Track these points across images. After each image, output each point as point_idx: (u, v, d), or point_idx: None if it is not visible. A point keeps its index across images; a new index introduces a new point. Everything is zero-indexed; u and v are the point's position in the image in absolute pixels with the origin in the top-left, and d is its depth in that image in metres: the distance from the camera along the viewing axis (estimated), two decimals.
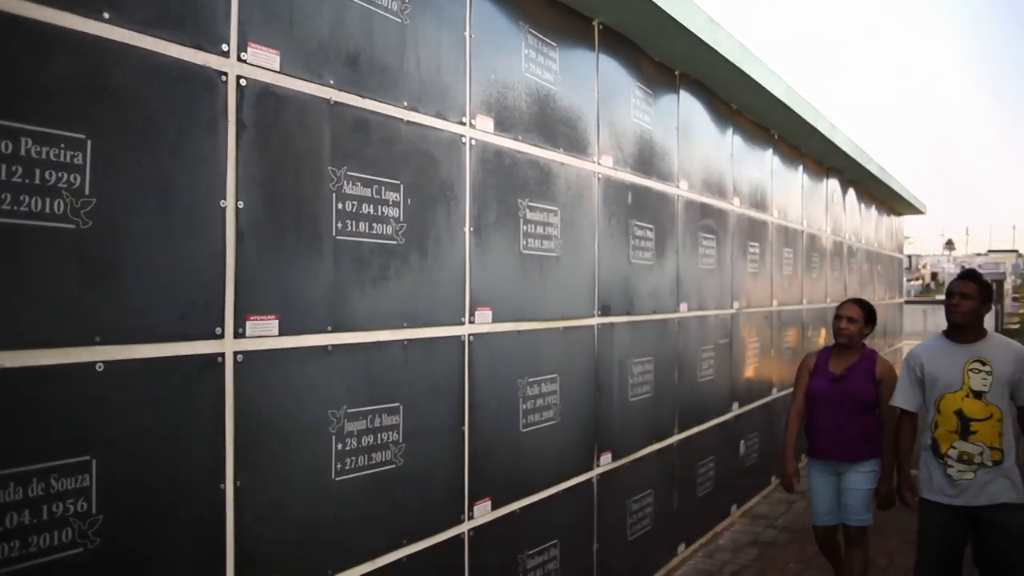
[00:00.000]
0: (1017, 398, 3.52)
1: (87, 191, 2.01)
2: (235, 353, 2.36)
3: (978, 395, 3.50)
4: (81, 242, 2.00)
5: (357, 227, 2.75)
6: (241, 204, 2.36)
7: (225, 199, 2.32)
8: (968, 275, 3.68)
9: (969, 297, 3.55)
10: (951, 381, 3.56)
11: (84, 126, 2.01)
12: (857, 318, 4.19)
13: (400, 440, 2.94)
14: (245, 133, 2.39)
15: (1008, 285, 32.29)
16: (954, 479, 3.52)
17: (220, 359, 2.32)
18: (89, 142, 2.02)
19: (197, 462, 2.27)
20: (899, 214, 14.38)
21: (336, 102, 2.69)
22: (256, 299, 2.42)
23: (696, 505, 5.54)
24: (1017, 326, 26.38)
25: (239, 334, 2.37)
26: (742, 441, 6.42)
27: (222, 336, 2.32)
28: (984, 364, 3.51)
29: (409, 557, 2.99)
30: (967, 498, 3.50)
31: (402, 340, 2.95)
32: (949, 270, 41.03)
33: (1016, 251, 64.34)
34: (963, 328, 3.58)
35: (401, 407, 2.94)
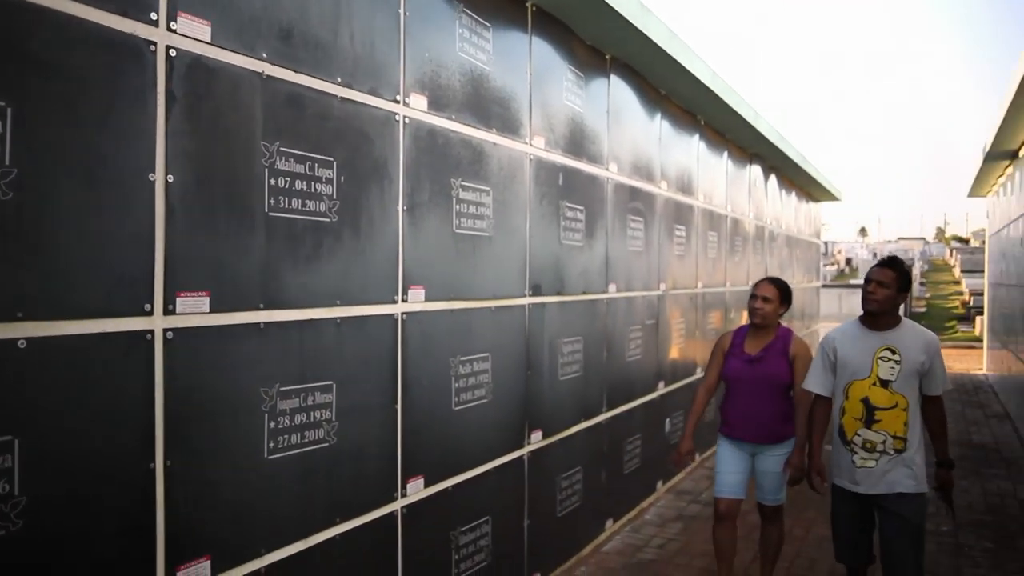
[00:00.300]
0: (924, 388, 3.50)
1: (7, 161, 1.94)
2: (165, 330, 2.31)
3: (885, 384, 3.46)
4: (0, 215, 1.93)
5: (290, 204, 2.72)
6: (171, 178, 2.31)
7: (154, 172, 2.27)
8: (888, 263, 3.60)
9: (885, 285, 3.48)
10: (860, 368, 3.52)
11: (2, 92, 1.94)
12: (772, 298, 4.10)
13: (333, 418, 2.93)
14: (175, 105, 2.34)
15: (916, 271, 33.67)
16: (857, 466, 3.51)
17: (149, 336, 2.27)
18: (9, 110, 1.95)
19: (126, 441, 2.23)
20: (817, 200, 14.84)
21: (269, 76, 2.65)
22: (187, 275, 2.37)
23: (623, 482, 5.66)
24: (924, 309, 27.57)
25: (169, 311, 2.32)
26: (667, 419, 6.58)
27: (151, 313, 2.28)
28: (893, 353, 3.47)
29: (342, 535, 2.99)
30: (867, 486, 3.50)
31: (335, 318, 2.94)
32: (862, 256, 42.62)
33: (923, 239, 67.12)
34: (876, 316, 3.53)
35: (334, 385, 2.93)
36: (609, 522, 5.43)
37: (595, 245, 5.09)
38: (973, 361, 16.74)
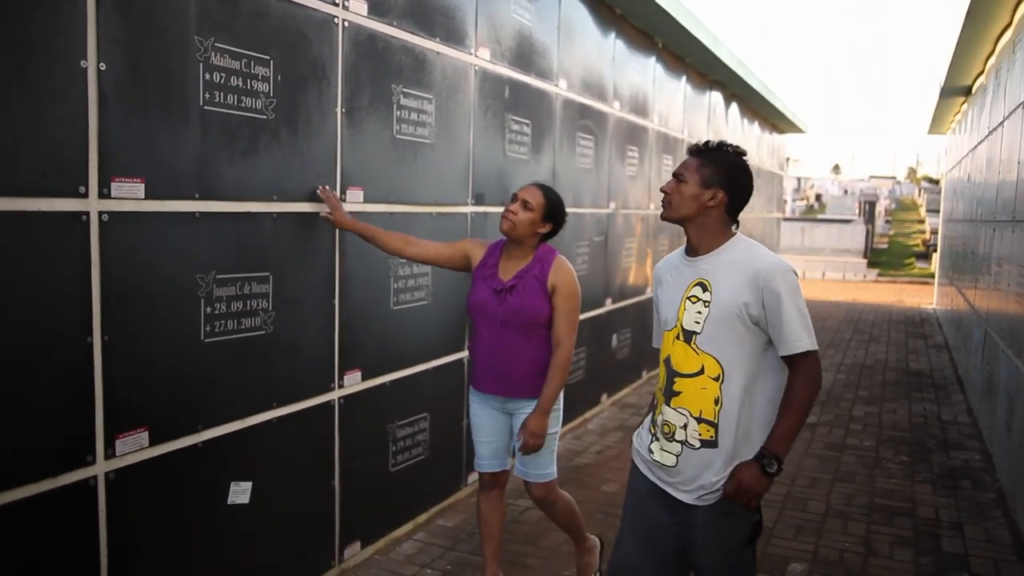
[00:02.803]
0: (775, 342, 2.23)
1: None
2: (100, 213, 2.43)
3: (688, 337, 2.29)
4: None
5: (226, 99, 2.82)
6: (103, 66, 2.40)
7: (86, 60, 2.36)
8: (693, 151, 2.38)
9: (681, 179, 2.31)
10: (670, 314, 2.37)
11: None
12: (534, 206, 3.09)
13: (270, 308, 3.08)
14: None
15: (881, 207, 34.10)
16: (655, 459, 2.37)
17: (85, 217, 2.39)
18: None
19: (64, 316, 2.37)
20: (781, 132, 14.98)
21: None
22: (121, 161, 2.48)
23: (567, 392, 5.83)
24: (886, 246, 28.06)
25: (104, 194, 2.44)
26: (614, 335, 6.81)
27: (86, 195, 2.39)
28: (705, 290, 2.27)
29: (280, 419, 3.18)
30: (673, 487, 2.33)
31: (272, 212, 3.07)
32: (833, 192, 43.01)
33: (894, 177, 67.63)
34: (688, 231, 2.35)
35: (271, 277, 3.07)
36: None
37: (542, 160, 5.22)
38: (925, 296, 17.21)
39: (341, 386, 3.51)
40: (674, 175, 2.33)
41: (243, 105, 2.89)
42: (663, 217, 2.38)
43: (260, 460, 3.10)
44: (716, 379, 2.24)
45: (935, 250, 18.76)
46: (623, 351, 7.06)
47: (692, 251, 2.34)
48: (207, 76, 2.74)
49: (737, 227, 2.37)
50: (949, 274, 11.71)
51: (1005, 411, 5.09)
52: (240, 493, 3.01)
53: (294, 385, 3.26)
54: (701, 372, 2.26)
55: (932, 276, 19.02)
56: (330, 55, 3.29)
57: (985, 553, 4.12)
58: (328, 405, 3.45)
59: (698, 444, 2.26)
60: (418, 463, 4.09)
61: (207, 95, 2.75)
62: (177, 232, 2.70)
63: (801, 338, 2.20)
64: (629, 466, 2.54)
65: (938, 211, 19.70)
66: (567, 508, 3.39)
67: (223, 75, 2.80)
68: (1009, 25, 6.70)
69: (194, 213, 2.75)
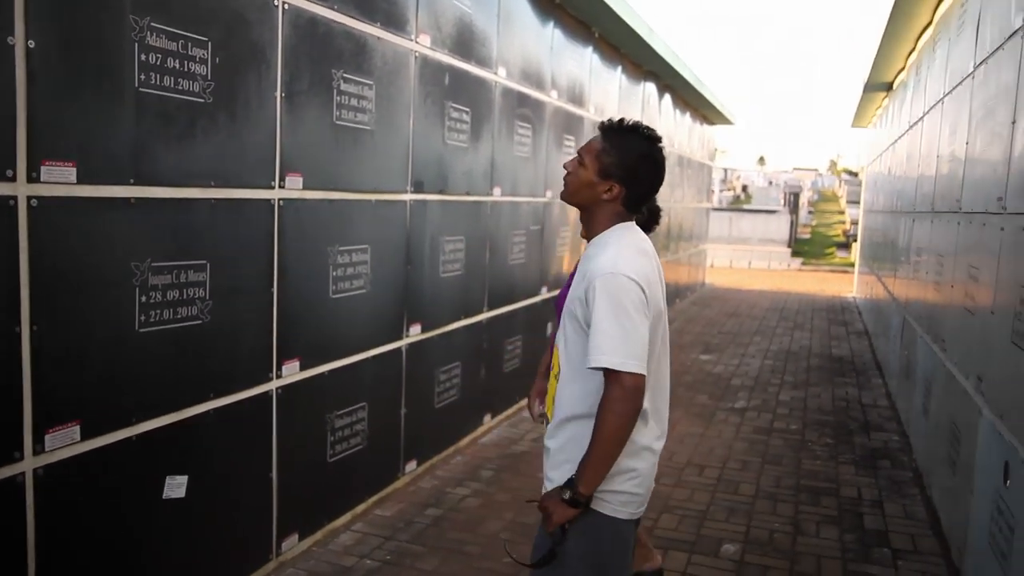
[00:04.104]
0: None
1: None
2: (29, 197, 2.33)
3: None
4: None
5: (162, 81, 2.72)
6: (32, 44, 2.29)
7: (13, 36, 2.25)
8: (602, 128, 2.18)
9: (581, 162, 2.15)
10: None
11: None
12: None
13: (207, 297, 3.00)
14: None
15: (804, 198, 35.10)
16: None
17: (12, 202, 2.29)
18: None
19: None
20: (711, 123, 15.25)
21: None
22: (51, 144, 2.38)
23: (503, 380, 5.93)
24: (808, 236, 28.92)
25: (33, 178, 2.34)
26: (549, 324, 6.85)
27: (14, 179, 2.29)
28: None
29: (216, 410, 3.11)
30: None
31: (210, 199, 2.98)
32: (758, 183, 44.08)
33: (816, 170, 69.54)
34: (580, 214, 2.23)
35: (208, 265, 2.99)
36: (487, 417, 5.71)
37: (481, 148, 5.20)
38: (846, 285, 17.80)
39: (279, 376, 3.45)
40: (578, 153, 2.17)
41: (180, 88, 2.80)
42: (561, 197, 2.24)
43: (196, 453, 3.02)
44: (557, 377, 2.16)
45: (855, 240, 19.42)
46: None
47: (585, 235, 2.23)
48: (143, 57, 2.65)
49: (634, 218, 2.20)
50: (869, 263, 12.14)
51: (922, 395, 5.32)
52: (176, 487, 2.94)
53: (231, 376, 3.19)
54: (552, 369, 2.22)
55: (852, 265, 19.69)
56: (270, 38, 3.21)
57: (904, 529, 4.31)
58: (266, 396, 3.39)
59: (545, 444, 2.20)
60: (356, 453, 4.06)
61: (143, 76, 2.65)
62: (111, 218, 2.60)
63: (602, 351, 1.93)
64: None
65: (858, 202, 20.43)
66: None
67: (159, 56, 2.71)
68: (930, 24, 6.96)
69: (129, 199, 2.65)
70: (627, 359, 1.92)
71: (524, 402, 6.40)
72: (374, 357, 4.16)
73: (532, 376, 6.47)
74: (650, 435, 2.11)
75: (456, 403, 5.16)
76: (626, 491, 2.07)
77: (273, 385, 3.42)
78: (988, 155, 3.93)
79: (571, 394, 2.08)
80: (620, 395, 1.92)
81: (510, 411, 6.12)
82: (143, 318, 2.75)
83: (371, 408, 4.16)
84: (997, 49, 3.89)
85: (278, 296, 3.39)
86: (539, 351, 6.62)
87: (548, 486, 2.12)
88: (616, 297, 1.95)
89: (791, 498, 4.69)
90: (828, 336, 10.53)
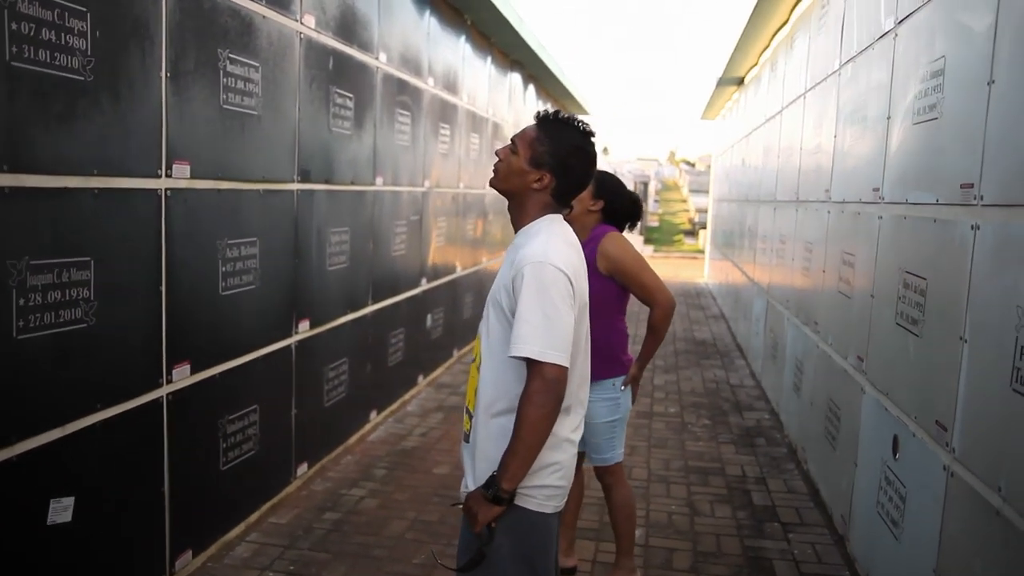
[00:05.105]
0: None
1: None
2: None
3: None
4: None
5: (36, 54, 2.42)
6: None
7: None
8: (537, 118, 2.16)
9: (514, 149, 2.10)
10: None
11: None
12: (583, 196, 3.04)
13: (92, 298, 2.71)
14: None
15: (651, 188, 36.46)
16: None
17: None
18: None
19: None
20: None
21: None
22: None
23: (387, 374, 5.76)
24: (657, 223, 30.06)
25: None
26: (429, 315, 6.74)
27: None
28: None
29: (104, 422, 2.81)
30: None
31: (92, 188, 2.68)
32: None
33: (656, 159, 72.35)
34: (509, 204, 2.17)
35: (92, 262, 2.70)
36: (373, 413, 5.53)
37: (364, 135, 5.01)
38: (697, 271, 18.60)
39: (170, 381, 3.17)
40: (512, 140, 2.12)
41: (58, 63, 2.49)
42: (490, 184, 2.16)
43: (83, 471, 2.73)
44: (477, 366, 2.08)
45: (702, 227, 20.31)
46: (437, 331, 7.00)
47: (513, 226, 2.17)
48: (13, 26, 2.33)
49: (563, 212, 2.15)
50: (723, 250, 12.71)
51: (793, 374, 5.59)
52: (61, 511, 2.63)
53: (120, 383, 2.90)
54: (474, 359, 2.14)
55: (701, 252, 20.59)
56: (153, 12, 2.93)
57: (788, 502, 4.51)
58: (156, 403, 3.10)
59: (463, 438, 2.14)
60: (248, 459, 3.81)
61: (14, 48, 2.34)
62: None
63: (525, 340, 1.88)
64: (459, 448, 2.34)
65: (699, 191, 21.49)
66: (622, 502, 3.34)
67: (32, 26, 2.40)
68: (786, 22, 7.32)
69: (2, 188, 2.34)
70: (549, 349, 1.88)
71: (408, 396, 6.26)
72: (265, 356, 3.91)
73: (413, 368, 6.36)
74: (569, 426, 2.08)
75: (344, 400, 4.96)
76: (550, 484, 2.03)
77: (163, 391, 3.14)
78: (860, 148, 4.13)
79: (492, 385, 2.02)
80: (541, 387, 1.88)
81: (395, 406, 5.97)
82: (21, 323, 2.43)
83: (263, 410, 3.92)
84: (866, 48, 4.10)
85: (167, 295, 3.11)
86: (421, 344, 6.50)
87: (470, 485, 2.05)
88: (544, 286, 1.91)
89: (682, 480, 4.82)
90: (689, 320, 10.94)
